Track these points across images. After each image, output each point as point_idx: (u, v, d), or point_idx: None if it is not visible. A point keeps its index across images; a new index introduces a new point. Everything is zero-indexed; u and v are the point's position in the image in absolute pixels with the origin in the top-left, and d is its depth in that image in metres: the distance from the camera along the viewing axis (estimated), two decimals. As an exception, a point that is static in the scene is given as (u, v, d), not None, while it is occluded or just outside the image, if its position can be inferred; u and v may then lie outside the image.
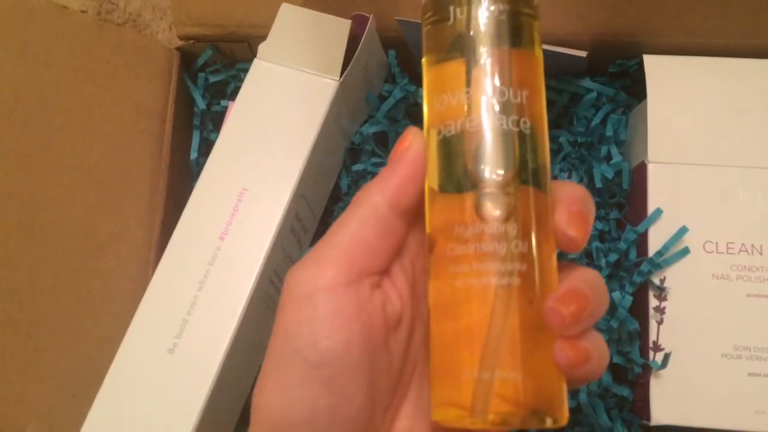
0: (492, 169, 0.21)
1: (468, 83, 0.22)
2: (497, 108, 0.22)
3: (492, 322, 0.20)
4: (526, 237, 0.21)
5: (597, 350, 0.21)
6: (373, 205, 0.22)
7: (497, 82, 0.22)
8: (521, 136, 0.22)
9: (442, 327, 0.22)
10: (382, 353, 0.22)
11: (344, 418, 0.20)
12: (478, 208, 0.21)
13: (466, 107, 0.22)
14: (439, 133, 0.22)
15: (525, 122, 0.22)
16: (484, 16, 0.22)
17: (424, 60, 0.24)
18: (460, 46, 0.22)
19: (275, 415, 0.21)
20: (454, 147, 0.22)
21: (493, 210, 0.21)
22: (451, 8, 0.23)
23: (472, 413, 0.20)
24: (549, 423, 0.20)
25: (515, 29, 0.22)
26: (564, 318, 0.20)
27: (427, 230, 0.23)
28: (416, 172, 0.22)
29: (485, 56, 0.22)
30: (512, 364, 0.20)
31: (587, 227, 0.22)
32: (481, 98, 0.22)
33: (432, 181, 0.23)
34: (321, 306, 0.20)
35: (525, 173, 0.22)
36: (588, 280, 0.22)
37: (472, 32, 0.22)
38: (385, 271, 0.23)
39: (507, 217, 0.21)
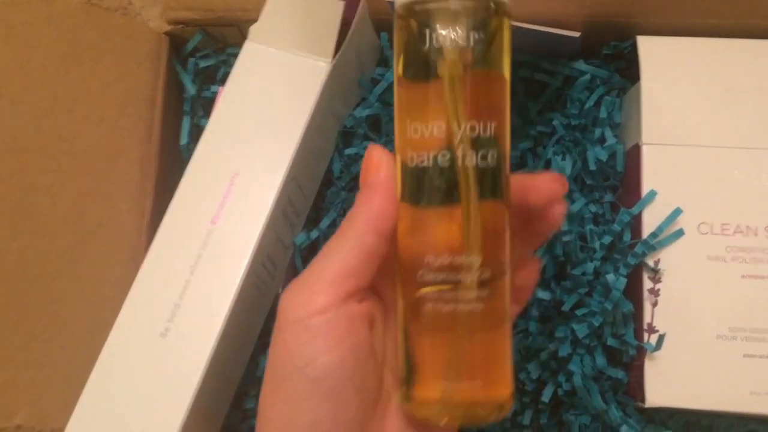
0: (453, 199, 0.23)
1: (438, 115, 0.23)
2: (468, 144, 0.23)
3: (453, 339, 0.24)
4: (486, 265, 0.23)
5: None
6: (359, 233, 0.24)
7: (468, 117, 0.23)
8: (491, 168, 0.23)
9: (414, 340, 0.25)
10: (369, 357, 0.25)
11: (344, 420, 0.23)
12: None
13: (436, 140, 0.23)
14: (411, 160, 0.23)
15: (493, 155, 0.23)
16: (455, 41, 0.23)
17: (397, 69, 0.24)
18: (433, 72, 0.23)
19: (284, 425, 0.23)
20: (424, 178, 0.23)
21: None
22: (426, 31, 0.23)
23: (441, 413, 0.24)
24: (505, 411, 0.25)
25: (487, 54, 0.23)
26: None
27: (398, 249, 0.25)
28: (391, 194, 0.24)
29: (456, 85, 0.23)
30: (471, 373, 0.24)
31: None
32: (452, 133, 0.23)
33: (403, 198, 0.24)
34: (315, 329, 0.23)
35: (492, 196, 0.23)
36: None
37: (445, 58, 0.23)
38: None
39: (470, 250, 0.23)
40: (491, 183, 0.23)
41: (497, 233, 0.24)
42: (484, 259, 0.23)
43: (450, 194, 0.23)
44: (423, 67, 0.23)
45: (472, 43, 0.23)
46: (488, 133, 0.23)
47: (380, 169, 0.24)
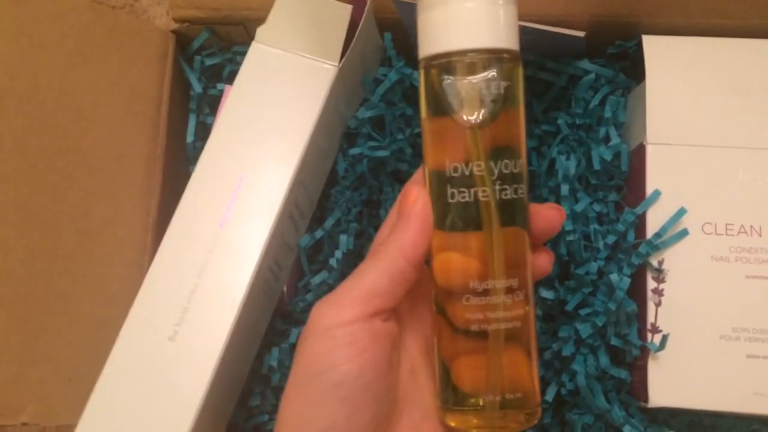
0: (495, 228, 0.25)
1: (475, 155, 0.25)
2: (500, 180, 0.25)
3: (490, 358, 0.26)
4: (512, 284, 0.25)
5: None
6: (391, 258, 0.26)
7: (502, 155, 0.25)
8: (513, 200, 0.25)
9: (449, 356, 0.27)
10: (390, 373, 0.26)
11: (358, 426, 0.25)
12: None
13: (471, 179, 0.25)
14: (452, 196, 0.26)
15: (521, 189, 0.26)
16: (475, 91, 0.25)
17: (424, 107, 0.26)
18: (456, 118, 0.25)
19: (301, 426, 0.25)
20: (459, 210, 0.26)
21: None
22: (447, 82, 0.25)
23: (483, 426, 0.26)
24: (535, 418, 0.26)
25: (505, 100, 0.25)
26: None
27: (433, 273, 0.27)
28: (425, 227, 0.26)
29: (478, 133, 0.25)
30: (507, 387, 0.26)
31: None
32: (486, 171, 0.25)
33: (441, 227, 0.26)
34: (340, 338, 0.25)
35: (514, 223, 0.26)
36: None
37: (465, 107, 0.25)
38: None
39: (498, 273, 0.25)
40: (513, 212, 0.26)
41: (520, 256, 0.26)
42: (510, 279, 0.25)
43: (476, 224, 0.25)
44: (445, 112, 0.25)
45: (491, 91, 0.25)
46: (509, 170, 0.25)
47: (417, 203, 0.26)
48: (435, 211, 0.26)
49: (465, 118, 0.25)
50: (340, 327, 0.25)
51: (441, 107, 0.25)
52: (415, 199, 0.26)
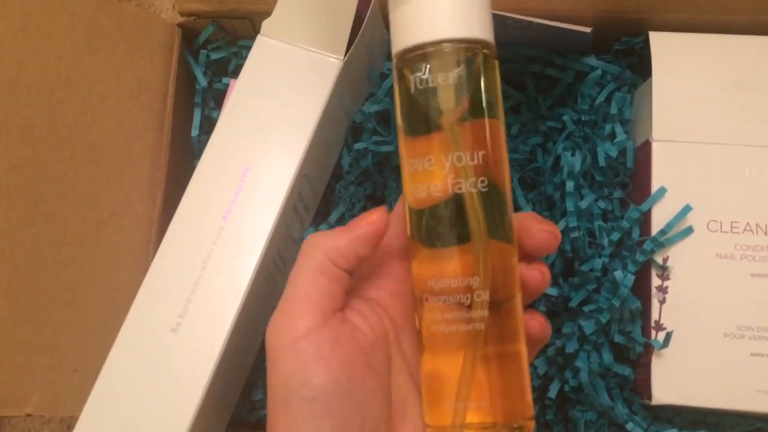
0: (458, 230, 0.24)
1: (433, 155, 0.24)
2: (456, 173, 0.24)
3: (463, 362, 0.24)
4: (488, 287, 0.24)
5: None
6: (317, 258, 0.26)
7: (457, 150, 0.24)
8: (482, 195, 0.24)
9: (427, 362, 0.26)
10: (368, 376, 0.25)
11: None
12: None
13: (432, 175, 0.24)
14: (417, 202, 0.25)
15: (483, 181, 0.24)
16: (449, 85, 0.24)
17: (399, 127, 0.26)
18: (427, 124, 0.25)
19: None
20: (429, 215, 0.25)
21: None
22: (420, 78, 0.24)
23: None
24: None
25: (475, 101, 0.24)
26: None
27: (411, 276, 0.26)
28: (360, 248, 0.26)
29: (455, 129, 0.24)
30: (480, 394, 0.24)
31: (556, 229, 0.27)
32: (443, 166, 0.24)
33: (412, 236, 0.26)
34: (303, 352, 0.24)
35: (491, 228, 0.24)
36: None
37: (438, 108, 0.24)
38: (343, 307, 0.26)
39: (472, 272, 0.24)
40: (494, 215, 0.25)
41: (503, 263, 0.25)
42: (488, 283, 0.24)
43: (457, 228, 0.24)
44: (422, 118, 0.25)
45: (466, 88, 0.24)
46: (476, 161, 0.24)
47: (371, 223, 0.26)
48: (413, 211, 0.25)
49: (441, 110, 0.24)
50: (299, 340, 0.24)
51: (413, 109, 0.25)
52: (372, 220, 0.26)
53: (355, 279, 0.27)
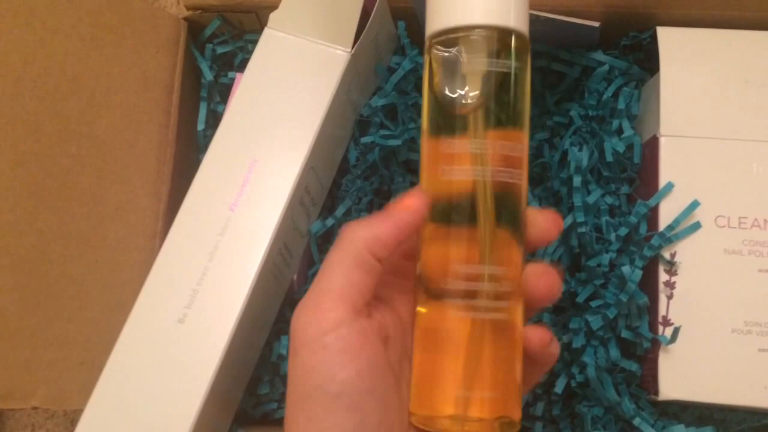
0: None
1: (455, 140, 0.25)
2: (474, 160, 0.24)
3: (468, 350, 0.24)
4: (500, 277, 0.24)
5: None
6: (356, 250, 0.25)
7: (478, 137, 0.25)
8: (497, 185, 0.24)
9: (427, 347, 0.25)
10: (387, 371, 0.25)
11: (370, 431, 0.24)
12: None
13: (451, 160, 0.25)
14: (444, 174, 0.25)
15: (501, 172, 0.24)
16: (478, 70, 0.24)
17: (424, 129, 0.26)
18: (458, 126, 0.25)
19: None
20: (448, 203, 0.25)
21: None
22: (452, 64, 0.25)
23: (452, 423, 0.24)
24: (512, 428, 0.25)
25: (509, 91, 0.25)
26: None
27: (418, 263, 0.26)
28: (402, 234, 0.25)
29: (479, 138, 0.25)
30: (484, 384, 0.24)
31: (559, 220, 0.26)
32: (463, 152, 0.24)
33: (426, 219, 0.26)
34: (331, 347, 0.24)
35: (504, 217, 0.25)
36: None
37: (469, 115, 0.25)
38: (370, 302, 0.26)
39: (480, 261, 0.24)
40: (507, 208, 0.25)
41: (511, 255, 0.25)
42: (498, 274, 0.24)
43: (470, 216, 0.25)
44: (448, 107, 0.25)
45: (495, 70, 0.24)
46: (507, 152, 0.25)
47: (407, 210, 0.25)
48: (428, 193, 0.25)
49: (467, 95, 0.24)
50: (328, 333, 0.24)
51: (444, 86, 0.25)
52: (408, 206, 0.25)
53: None
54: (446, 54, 0.25)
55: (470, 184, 0.24)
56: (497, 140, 0.24)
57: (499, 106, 0.25)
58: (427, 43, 0.26)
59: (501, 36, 0.25)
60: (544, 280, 0.26)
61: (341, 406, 0.23)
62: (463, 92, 0.25)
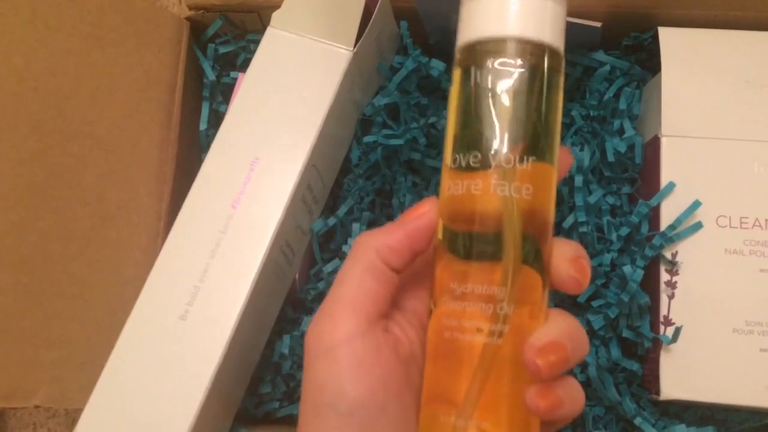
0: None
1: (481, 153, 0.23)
2: (500, 176, 0.23)
3: (474, 375, 0.22)
4: (513, 301, 0.22)
5: (570, 397, 0.23)
6: (366, 257, 0.24)
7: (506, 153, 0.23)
8: (523, 204, 0.23)
9: (431, 369, 0.24)
10: (404, 390, 0.24)
11: None
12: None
13: (475, 174, 0.23)
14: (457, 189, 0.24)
15: (528, 189, 0.23)
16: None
17: (449, 123, 0.25)
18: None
19: None
20: (465, 236, 0.23)
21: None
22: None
23: None
24: None
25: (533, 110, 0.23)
26: (540, 369, 0.22)
27: (433, 280, 0.25)
28: (414, 243, 0.24)
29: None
30: (485, 415, 0.22)
31: (587, 270, 0.24)
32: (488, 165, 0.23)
33: (439, 236, 0.24)
34: (343, 360, 0.23)
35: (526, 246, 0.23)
36: (569, 330, 0.23)
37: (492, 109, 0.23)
38: (387, 315, 0.25)
39: (499, 282, 0.22)
40: (529, 247, 0.23)
41: (531, 286, 0.23)
42: (514, 298, 0.23)
43: (492, 235, 0.23)
44: (475, 117, 0.23)
45: (525, 95, 0.23)
46: (525, 167, 0.23)
47: (421, 218, 0.25)
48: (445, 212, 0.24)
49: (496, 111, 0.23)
50: (341, 345, 0.23)
51: (470, 101, 0.24)
52: (422, 213, 0.25)
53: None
54: (475, 67, 0.23)
55: (494, 200, 0.23)
56: (525, 155, 0.23)
57: (533, 142, 0.23)
58: (458, 56, 0.24)
59: (534, 51, 0.24)
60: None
61: (351, 426, 0.23)
62: (491, 108, 0.23)
